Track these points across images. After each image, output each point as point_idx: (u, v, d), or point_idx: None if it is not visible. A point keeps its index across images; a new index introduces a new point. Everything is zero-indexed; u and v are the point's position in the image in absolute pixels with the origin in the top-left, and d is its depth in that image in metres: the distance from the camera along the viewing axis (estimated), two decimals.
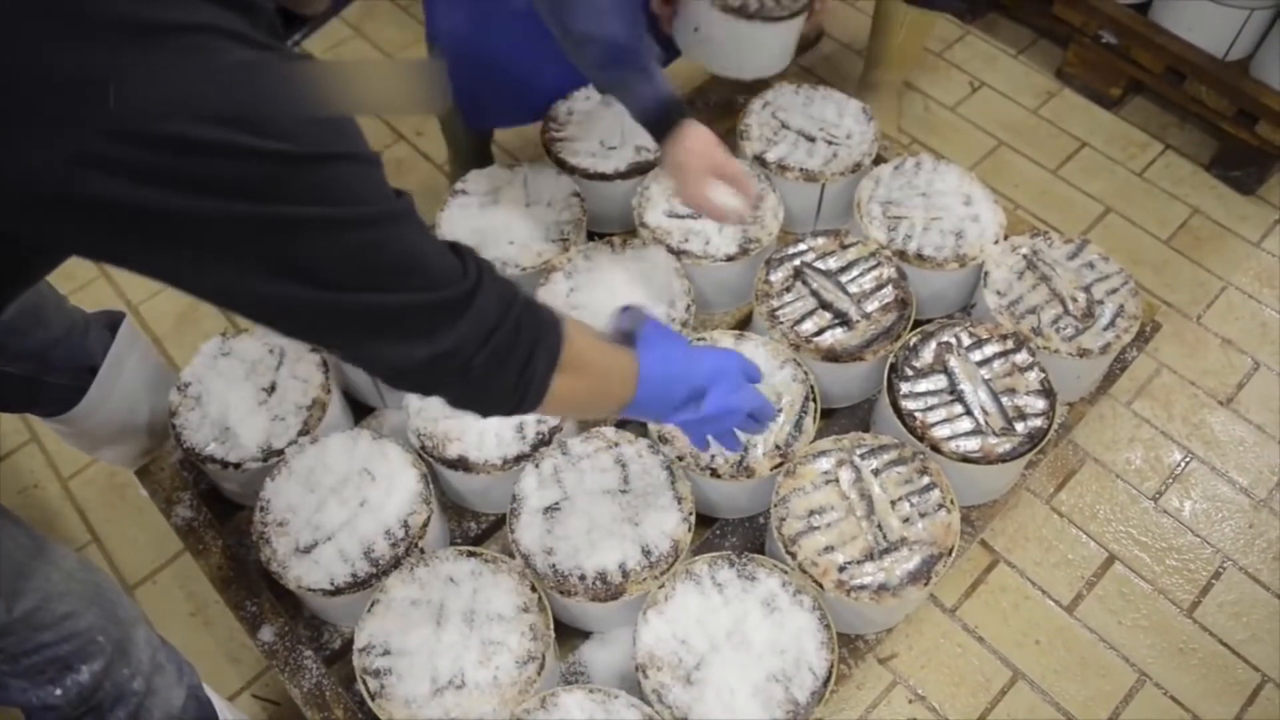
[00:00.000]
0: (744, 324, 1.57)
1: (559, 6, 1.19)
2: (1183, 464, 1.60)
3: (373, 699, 1.12)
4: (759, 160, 1.59)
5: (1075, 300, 1.42)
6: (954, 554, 1.21)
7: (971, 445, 1.29)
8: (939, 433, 1.30)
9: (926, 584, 1.19)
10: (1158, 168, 2.00)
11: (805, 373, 1.36)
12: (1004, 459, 1.28)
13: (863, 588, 1.18)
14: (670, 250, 1.49)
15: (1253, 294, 1.81)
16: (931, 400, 1.32)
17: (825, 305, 1.42)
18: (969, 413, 1.31)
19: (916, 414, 1.31)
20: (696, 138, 1.25)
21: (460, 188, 1.59)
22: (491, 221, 1.54)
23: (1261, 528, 1.54)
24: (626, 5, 1.21)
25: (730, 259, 1.48)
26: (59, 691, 0.92)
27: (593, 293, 1.44)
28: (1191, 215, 1.93)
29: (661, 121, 1.25)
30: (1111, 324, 1.41)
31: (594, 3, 1.18)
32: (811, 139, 1.62)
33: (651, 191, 1.56)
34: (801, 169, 1.57)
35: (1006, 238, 1.51)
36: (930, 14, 1.78)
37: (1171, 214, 1.94)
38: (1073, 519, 1.54)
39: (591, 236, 1.58)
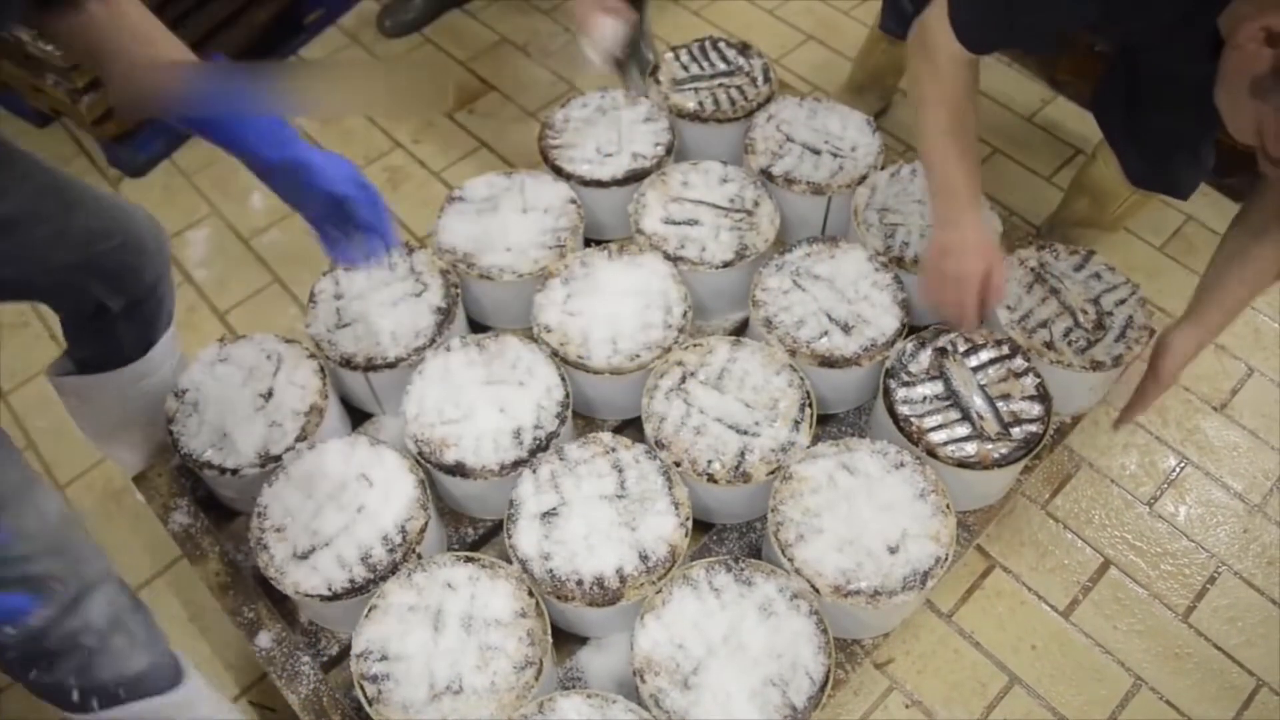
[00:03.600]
0: (740, 331, 1.58)
1: None
2: (1177, 469, 1.61)
3: (370, 704, 1.12)
4: (765, 174, 1.60)
5: (1085, 312, 1.42)
6: (950, 559, 1.21)
7: (968, 450, 1.29)
8: (935, 438, 1.30)
9: (922, 589, 1.19)
10: None
11: (801, 378, 1.36)
12: (1000, 464, 1.28)
13: (859, 592, 1.18)
14: (666, 256, 1.49)
15: None
16: (928, 406, 1.33)
17: (822, 310, 1.43)
18: (965, 418, 1.31)
19: (913, 419, 1.32)
20: None
21: (457, 194, 1.59)
22: (488, 228, 1.54)
23: (1256, 532, 1.54)
24: None
25: (726, 265, 1.49)
26: (10, 630, 0.94)
27: (590, 299, 1.44)
28: (1185, 222, 1.94)
29: None
30: (1122, 335, 1.41)
31: None
32: (817, 152, 1.62)
33: (647, 198, 1.57)
34: (808, 182, 1.58)
35: (1012, 249, 1.52)
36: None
37: (1166, 221, 1.95)
38: (1068, 524, 1.55)
39: (588, 243, 1.59)
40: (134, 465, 1.47)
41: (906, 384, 1.35)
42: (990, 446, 1.29)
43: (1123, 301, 1.44)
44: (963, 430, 1.30)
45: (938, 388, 1.34)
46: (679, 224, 1.54)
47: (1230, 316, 1.27)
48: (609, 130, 1.65)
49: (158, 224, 1.24)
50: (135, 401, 1.37)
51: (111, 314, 1.23)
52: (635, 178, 1.60)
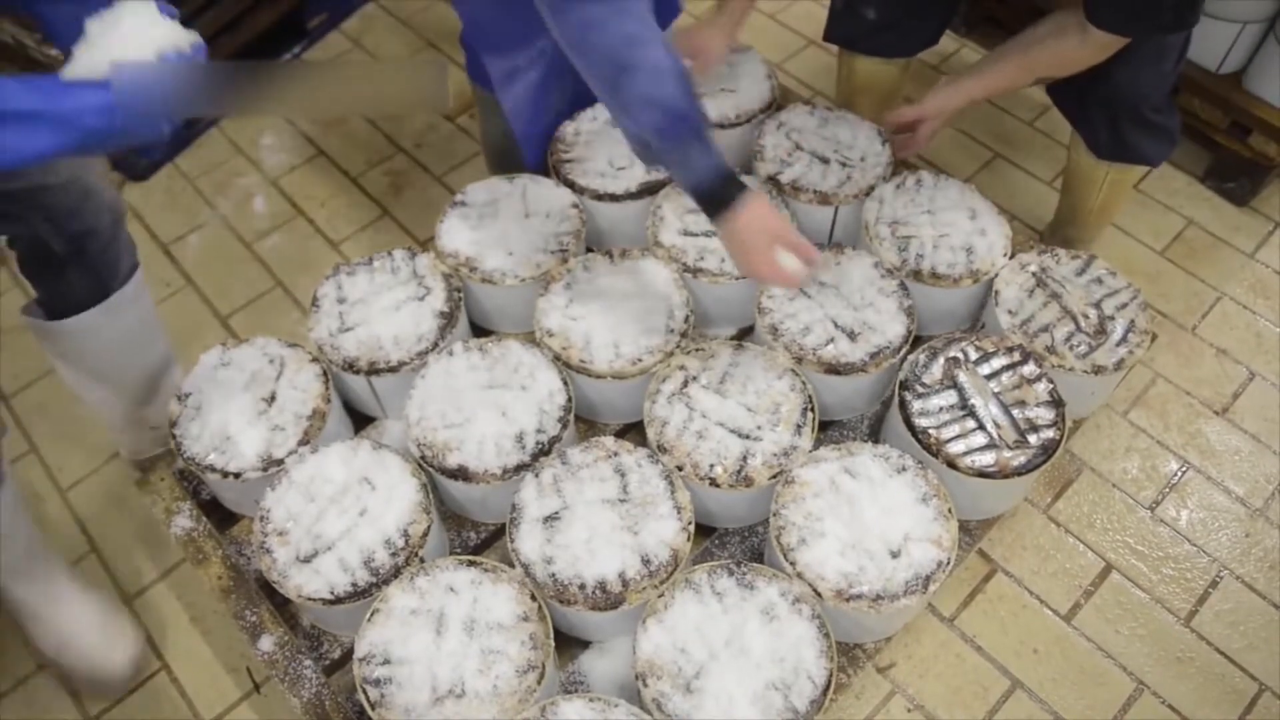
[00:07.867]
0: (744, 334, 1.58)
1: (619, 72, 1.11)
2: (1179, 473, 1.61)
3: (373, 708, 1.12)
4: (773, 181, 1.60)
5: (1087, 317, 1.42)
6: (952, 563, 1.21)
7: (986, 460, 1.28)
8: (954, 449, 1.29)
9: (924, 593, 1.19)
10: (1152, 180, 2.02)
11: (804, 382, 1.36)
12: (1019, 472, 1.28)
13: (861, 596, 1.18)
14: (686, 269, 1.49)
15: (1247, 304, 1.83)
16: (944, 416, 1.32)
17: (828, 317, 1.43)
18: (982, 427, 1.30)
19: (930, 430, 1.31)
20: (757, 209, 1.19)
21: (459, 199, 1.59)
22: (490, 232, 1.54)
23: (1258, 537, 1.54)
24: (684, 71, 1.12)
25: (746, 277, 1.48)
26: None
27: (592, 303, 1.45)
28: (1186, 226, 1.95)
29: (718, 195, 1.17)
30: (1124, 339, 1.41)
31: (656, 67, 1.10)
32: (825, 160, 1.62)
33: (664, 211, 1.56)
34: (815, 191, 1.57)
35: (1013, 254, 1.52)
36: (1130, 168, 1.64)
37: (1166, 225, 1.95)
38: (1070, 528, 1.55)
39: (591, 250, 1.59)
40: (113, 422, 1.56)
41: (921, 395, 1.34)
42: (1009, 455, 1.28)
43: (1124, 305, 1.44)
44: (979, 440, 1.30)
45: (951, 398, 1.34)
46: (697, 236, 1.53)
47: (998, 82, 1.53)
48: (620, 144, 1.65)
49: (115, 189, 1.36)
50: (101, 354, 1.44)
51: (59, 257, 1.30)
52: (649, 191, 1.59)
